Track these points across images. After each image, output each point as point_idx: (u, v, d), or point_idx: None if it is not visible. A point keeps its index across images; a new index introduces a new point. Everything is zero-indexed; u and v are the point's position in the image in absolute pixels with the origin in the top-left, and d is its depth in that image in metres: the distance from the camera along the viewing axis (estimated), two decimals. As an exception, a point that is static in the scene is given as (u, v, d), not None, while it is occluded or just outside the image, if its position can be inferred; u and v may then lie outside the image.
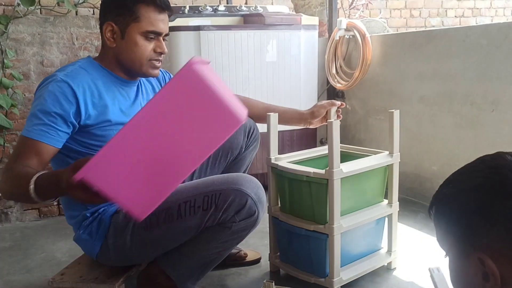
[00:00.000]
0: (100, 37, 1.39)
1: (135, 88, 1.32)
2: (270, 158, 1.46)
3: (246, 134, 1.50)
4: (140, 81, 1.34)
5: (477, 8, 5.12)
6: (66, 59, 2.44)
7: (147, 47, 1.21)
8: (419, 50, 2.15)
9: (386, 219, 1.52)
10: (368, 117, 2.51)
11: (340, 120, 1.60)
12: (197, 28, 2.20)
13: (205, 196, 1.19)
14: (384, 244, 1.55)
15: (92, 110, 1.18)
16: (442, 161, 2.09)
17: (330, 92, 2.74)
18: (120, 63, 1.25)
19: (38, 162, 1.08)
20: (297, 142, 2.46)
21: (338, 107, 1.59)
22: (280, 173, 1.43)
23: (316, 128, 2.52)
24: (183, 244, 1.24)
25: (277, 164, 1.43)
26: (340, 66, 2.59)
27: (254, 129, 1.52)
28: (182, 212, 1.19)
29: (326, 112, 1.58)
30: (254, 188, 1.21)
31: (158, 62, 1.25)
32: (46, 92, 1.12)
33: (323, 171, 1.31)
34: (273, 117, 1.45)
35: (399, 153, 1.48)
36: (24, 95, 2.25)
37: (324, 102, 1.59)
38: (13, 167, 1.06)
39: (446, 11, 4.95)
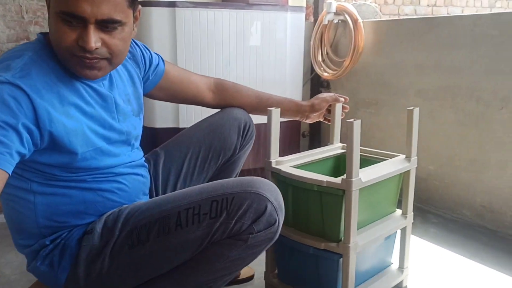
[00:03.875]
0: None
1: (107, 81, 1.00)
2: (271, 162, 1.23)
3: (241, 132, 1.26)
4: None
5: (449, -2, 5.07)
6: (14, 35, 2.12)
7: (67, 35, 0.85)
8: (419, 39, 1.97)
9: (398, 231, 1.33)
10: (356, 110, 2.32)
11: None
12: (172, 4, 1.93)
13: (213, 201, 0.91)
14: (393, 259, 1.37)
15: (55, 127, 0.87)
16: (440, 160, 1.93)
17: (315, 82, 2.54)
18: None
19: None
20: (281, 136, 2.23)
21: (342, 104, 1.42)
22: (283, 180, 1.21)
23: (299, 121, 2.34)
24: (177, 267, 0.97)
25: (279, 170, 1.21)
26: (327, 54, 2.38)
27: (249, 126, 1.29)
28: (182, 221, 0.91)
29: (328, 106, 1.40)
30: (273, 192, 0.94)
31: (87, 60, 0.87)
32: None
33: (339, 180, 1.10)
34: (275, 113, 1.22)
35: (416, 157, 1.29)
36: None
37: (327, 95, 1.39)
38: None
39: (419, -1, 4.87)
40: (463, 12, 5.06)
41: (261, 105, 1.32)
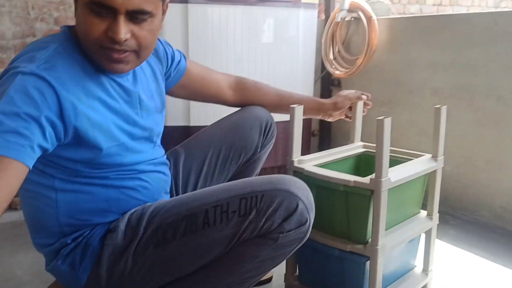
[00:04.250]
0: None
1: (131, 76, 0.97)
2: (293, 161, 1.20)
3: (263, 132, 1.23)
4: None
5: (455, -3, 5.04)
6: (19, 31, 2.07)
7: (96, 26, 0.82)
8: (435, 36, 1.93)
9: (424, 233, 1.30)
10: (369, 109, 2.28)
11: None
12: (185, 1, 1.89)
13: (242, 198, 0.87)
14: (417, 261, 1.33)
15: (80, 121, 0.84)
16: (457, 160, 1.90)
17: (325, 80, 2.50)
18: None
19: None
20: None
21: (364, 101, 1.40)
22: (306, 179, 1.16)
23: (310, 119, 2.30)
24: (203, 267, 0.93)
25: (302, 169, 1.17)
26: (339, 51, 2.34)
27: (271, 125, 1.25)
28: (210, 219, 0.88)
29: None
30: (304, 190, 0.91)
31: (114, 52, 0.85)
32: (10, 86, 0.76)
33: (367, 180, 1.06)
34: (298, 110, 1.18)
35: (443, 156, 1.26)
36: (-29, 71, 1.86)
37: (348, 93, 1.36)
38: None
39: (425, -2, 4.85)
40: (468, 11, 5.04)
41: (282, 103, 1.28)
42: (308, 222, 0.90)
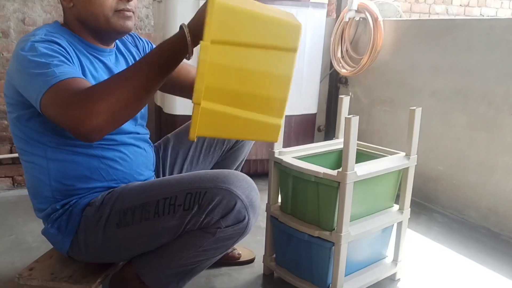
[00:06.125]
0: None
1: (113, 57, 1.14)
2: (274, 152, 1.31)
3: None
4: (118, 48, 1.17)
5: (483, -2, 4.97)
6: (50, 19, 2.23)
7: None
8: (437, 40, 1.99)
9: (395, 225, 1.38)
10: (372, 107, 2.36)
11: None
12: (194, -4, 2.01)
13: (188, 193, 0.98)
14: (389, 252, 1.42)
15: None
16: (449, 161, 1.96)
17: (333, 77, 2.58)
18: (85, 26, 1.05)
19: None
20: (295, 129, 2.31)
21: None
22: (284, 170, 1.28)
23: (315, 114, 2.39)
24: (162, 247, 1.05)
25: (281, 160, 1.28)
26: (346, 50, 2.42)
27: None
28: (160, 209, 0.99)
29: None
30: (246, 189, 0.99)
31: (128, 11, 1.04)
32: (35, 49, 0.93)
33: (335, 173, 1.16)
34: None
35: (416, 155, 1.34)
36: (2, 54, 2.04)
37: None
38: (77, 93, 0.84)
39: (451, -2, 4.80)
40: (497, 14, 4.96)
41: None
42: (246, 219, 0.99)
